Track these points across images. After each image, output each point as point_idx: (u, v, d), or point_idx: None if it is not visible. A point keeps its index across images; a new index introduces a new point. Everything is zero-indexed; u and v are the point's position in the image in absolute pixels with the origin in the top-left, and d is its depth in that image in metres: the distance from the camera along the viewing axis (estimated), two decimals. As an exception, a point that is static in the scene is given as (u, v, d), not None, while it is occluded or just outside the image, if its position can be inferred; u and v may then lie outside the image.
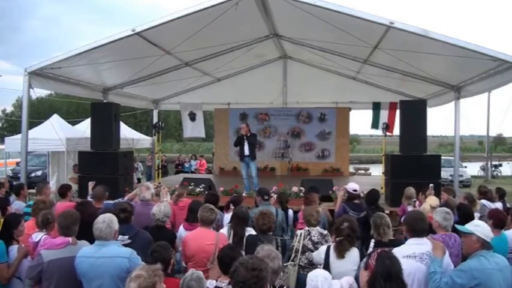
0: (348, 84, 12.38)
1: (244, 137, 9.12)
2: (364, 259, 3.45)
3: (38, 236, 3.70)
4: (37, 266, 3.28)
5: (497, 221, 4.22)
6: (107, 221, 3.30)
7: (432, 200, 5.23)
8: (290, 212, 6.07)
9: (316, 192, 6.02)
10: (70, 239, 3.41)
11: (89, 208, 4.36)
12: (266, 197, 5.60)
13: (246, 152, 9.15)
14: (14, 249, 3.73)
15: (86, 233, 3.47)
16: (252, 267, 2.28)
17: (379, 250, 2.80)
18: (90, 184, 6.48)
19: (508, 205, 6.45)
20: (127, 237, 3.81)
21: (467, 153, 32.72)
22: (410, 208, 5.89)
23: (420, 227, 3.34)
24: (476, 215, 5.28)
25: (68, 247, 3.37)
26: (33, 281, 3.31)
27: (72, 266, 3.26)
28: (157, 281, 2.49)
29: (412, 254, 3.07)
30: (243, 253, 3.70)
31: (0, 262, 3.57)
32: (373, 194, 5.84)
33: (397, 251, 3.13)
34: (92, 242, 3.38)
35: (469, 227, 3.21)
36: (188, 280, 2.72)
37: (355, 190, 5.86)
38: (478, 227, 3.18)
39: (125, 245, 3.59)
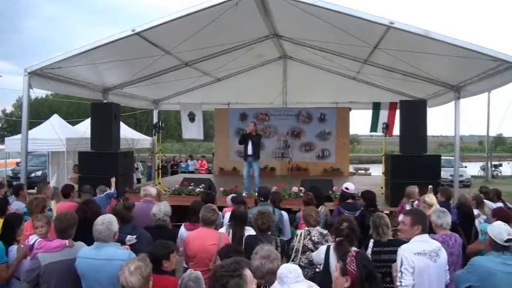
0: (348, 84, 12.37)
1: (249, 136, 8.98)
2: (336, 263, 3.33)
3: (32, 238, 3.66)
4: (34, 270, 3.24)
5: (501, 219, 4.21)
6: (106, 223, 3.26)
7: (429, 198, 5.22)
8: (285, 214, 5.46)
9: (318, 192, 5.98)
10: (67, 241, 3.37)
11: (93, 207, 4.31)
12: (262, 199, 5.57)
13: (250, 151, 8.95)
14: (13, 249, 3.70)
15: (90, 234, 3.38)
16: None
17: (353, 254, 2.64)
18: (113, 180, 6.72)
19: (509, 204, 6.46)
20: (134, 236, 3.85)
21: (467, 153, 32.74)
22: (408, 207, 5.87)
23: (427, 224, 3.52)
24: (483, 217, 5.26)
25: (65, 250, 3.33)
26: (30, 285, 3.27)
27: (70, 269, 3.23)
28: (151, 266, 2.58)
29: (422, 252, 3.24)
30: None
31: (-1, 263, 3.55)
32: (369, 196, 5.68)
33: (407, 249, 3.26)
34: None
35: (488, 226, 3.46)
36: (186, 280, 2.69)
37: (347, 188, 5.83)
38: (491, 227, 3.38)
39: (130, 246, 3.63)
